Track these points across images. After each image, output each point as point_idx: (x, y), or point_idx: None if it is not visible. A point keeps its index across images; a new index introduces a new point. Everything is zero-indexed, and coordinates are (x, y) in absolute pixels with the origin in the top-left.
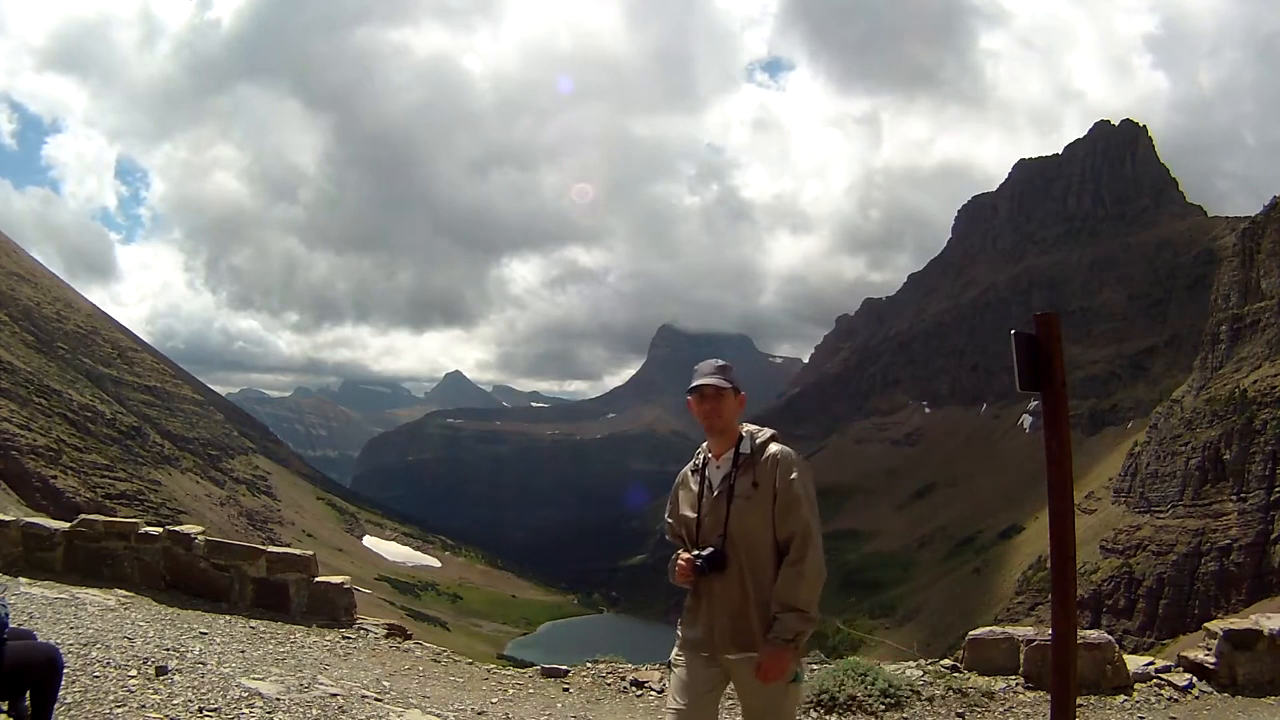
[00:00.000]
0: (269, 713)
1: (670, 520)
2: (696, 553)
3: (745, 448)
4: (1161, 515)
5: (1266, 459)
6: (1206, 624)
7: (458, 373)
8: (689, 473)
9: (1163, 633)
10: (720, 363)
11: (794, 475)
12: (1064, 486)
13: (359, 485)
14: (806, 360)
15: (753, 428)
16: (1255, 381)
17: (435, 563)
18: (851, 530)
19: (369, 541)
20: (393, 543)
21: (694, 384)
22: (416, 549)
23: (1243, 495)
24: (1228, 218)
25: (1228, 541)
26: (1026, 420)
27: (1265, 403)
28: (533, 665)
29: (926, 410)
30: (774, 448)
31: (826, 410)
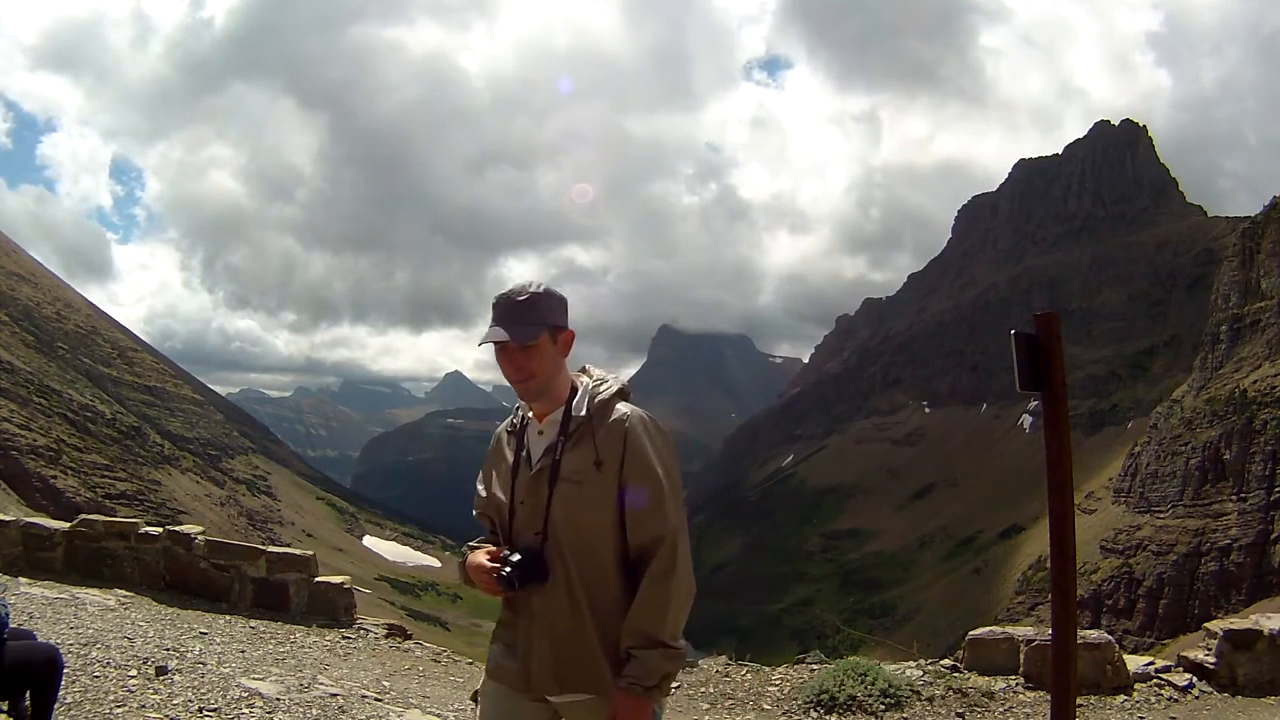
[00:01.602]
0: (269, 713)
1: (483, 494)
2: (505, 554)
3: (580, 408)
4: (1161, 515)
5: (1266, 459)
6: (1206, 624)
7: (457, 373)
8: (504, 435)
9: (1163, 633)
10: (529, 292)
11: (653, 453)
12: (1064, 487)
13: (359, 485)
14: (806, 360)
15: (592, 378)
16: (1255, 381)
17: (435, 563)
18: (852, 530)
19: (369, 541)
20: (393, 543)
21: (489, 339)
22: (416, 549)
23: (1243, 495)
24: (1228, 217)
25: (1228, 541)
26: (1026, 420)
27: (1265, 402)
28: None
29: (926, 410)
30: (622, 409)
31: (826, 410)
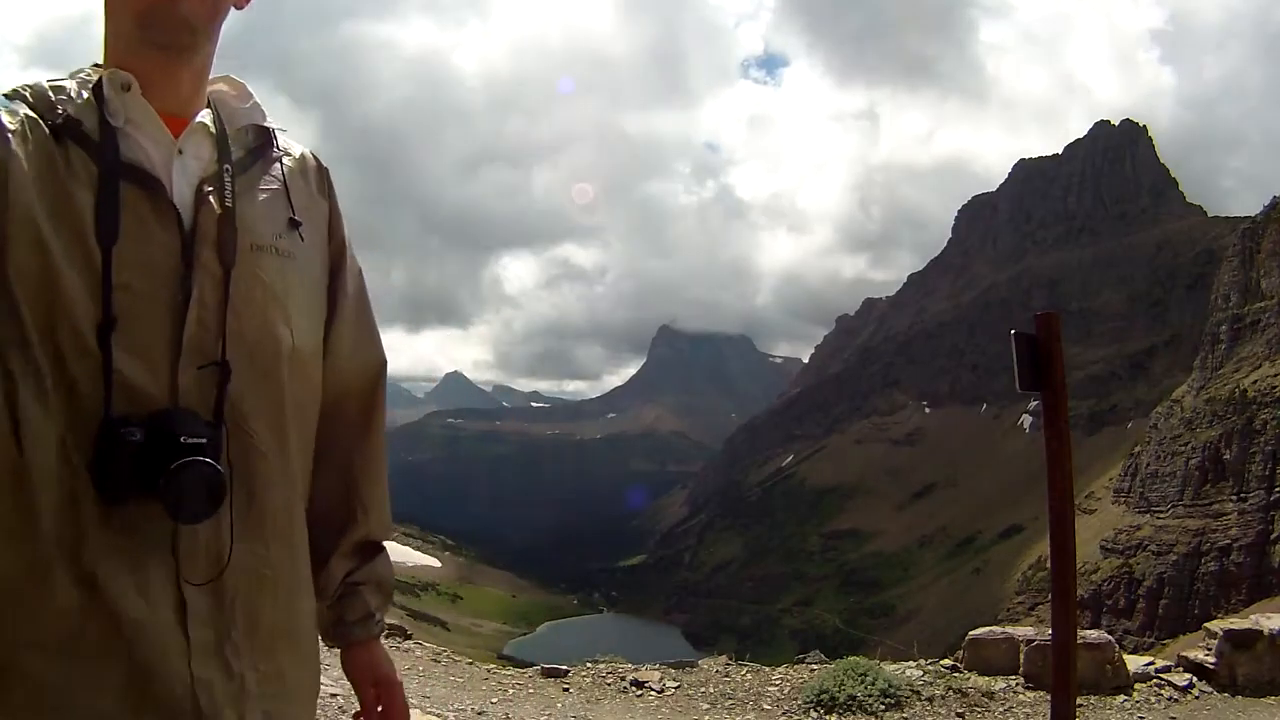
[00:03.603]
0: None
1: None
2: (129, 433)
3: (255, 113)
4: (1161, 515)
5: (1266, 459)
6: (1206, 624)
7: (457, 373)
8: (23, 124)
9: (1163, 633)
10: None
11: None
12: (1064, 486)
13: None
14: (806, 360)
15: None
16: (1255, 381)
17: (435, 563)
18: (852, 530)
19: None
20: (392, 542)
21: None
22: (416, 549)
23: (1243, 495)
24: (1227, 218)
25: (1228, 541)
26: (1026, 420)
27: (1265, 402)
28: (532, 665)
29: (926, 410)
30: (300, 147)
31: (826, 410)
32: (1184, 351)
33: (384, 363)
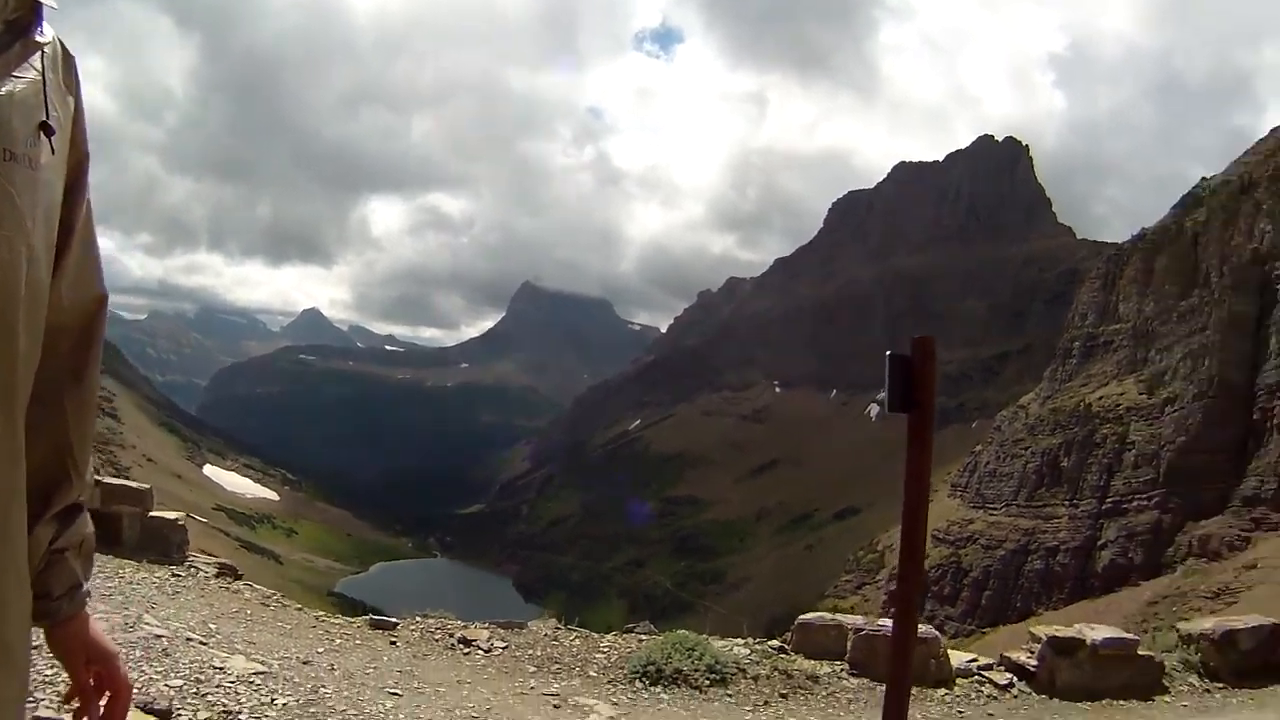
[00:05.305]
0: None
1: None
2: None
3: None
4: (995, 512)
5: (1102, 470)
6: (1031, 628)
7: (315, 310)
8: None
9: (983, 621)
10: None
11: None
12: (919, 501)
13: (205, 414)
14: (664, 330)
15: None
16: (1101, 397)
17: (274, 496)
18: (690, 497)
19: (209, 470)
20: (233, 473)
21: None
22: (256, 481)
23: (1075, 501)
24: (1093, 241)
25: (1055, 543)
26: (874, 409)
27: (1108, 418)
28: (363, 605)
29: (777, 389)
30: (49, 29)
31: (679, 380)
32: (1036, 362)
33: (105, 297)
